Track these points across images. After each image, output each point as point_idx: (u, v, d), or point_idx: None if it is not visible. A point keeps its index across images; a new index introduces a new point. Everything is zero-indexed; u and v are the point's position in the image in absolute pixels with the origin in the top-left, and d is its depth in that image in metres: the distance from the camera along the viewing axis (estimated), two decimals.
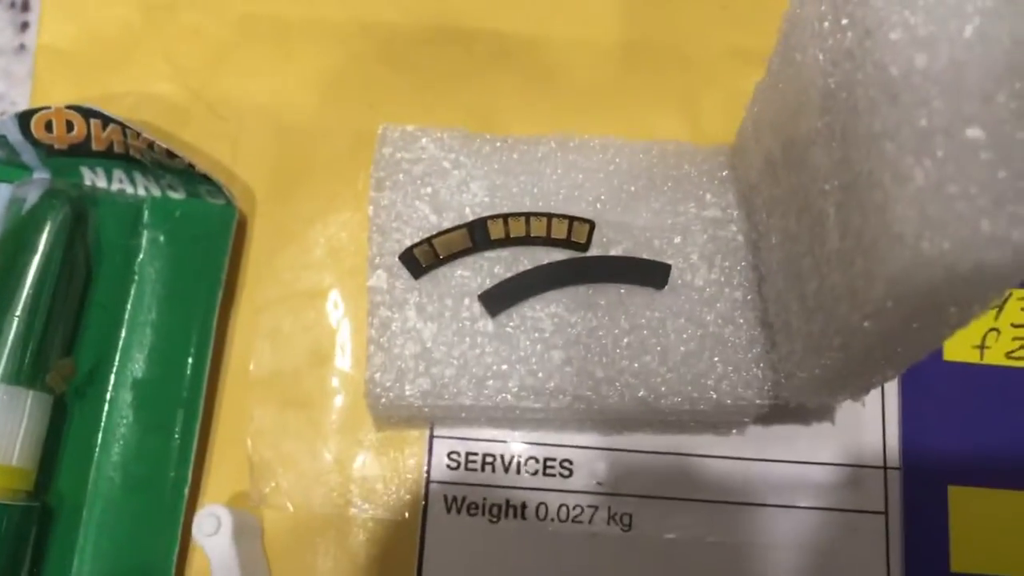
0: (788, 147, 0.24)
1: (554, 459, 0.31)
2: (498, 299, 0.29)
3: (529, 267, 0.29)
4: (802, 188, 0.24)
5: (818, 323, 0.24)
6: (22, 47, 0.35)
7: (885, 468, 0.31)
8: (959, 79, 0.18)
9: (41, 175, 0.32)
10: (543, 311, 0.29)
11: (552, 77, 0.35)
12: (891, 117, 0.18)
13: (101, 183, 0.32)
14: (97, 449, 0.30)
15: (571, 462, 0.31)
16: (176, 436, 0.30)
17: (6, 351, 0.29)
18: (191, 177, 0.31)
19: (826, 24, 0.21)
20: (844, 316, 0.22)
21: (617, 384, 0.28)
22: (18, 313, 0.29)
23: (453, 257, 0.29)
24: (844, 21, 0.20)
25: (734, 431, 0.31)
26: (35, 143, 0.31)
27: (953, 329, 0.21)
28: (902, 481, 0.31)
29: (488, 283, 0.29)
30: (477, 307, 0.29)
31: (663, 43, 0.35)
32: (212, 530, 0.28)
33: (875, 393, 0.32)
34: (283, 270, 0.32)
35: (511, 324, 0.29)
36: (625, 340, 0.29)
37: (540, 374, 0.28)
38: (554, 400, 0.28)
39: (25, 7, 0.36)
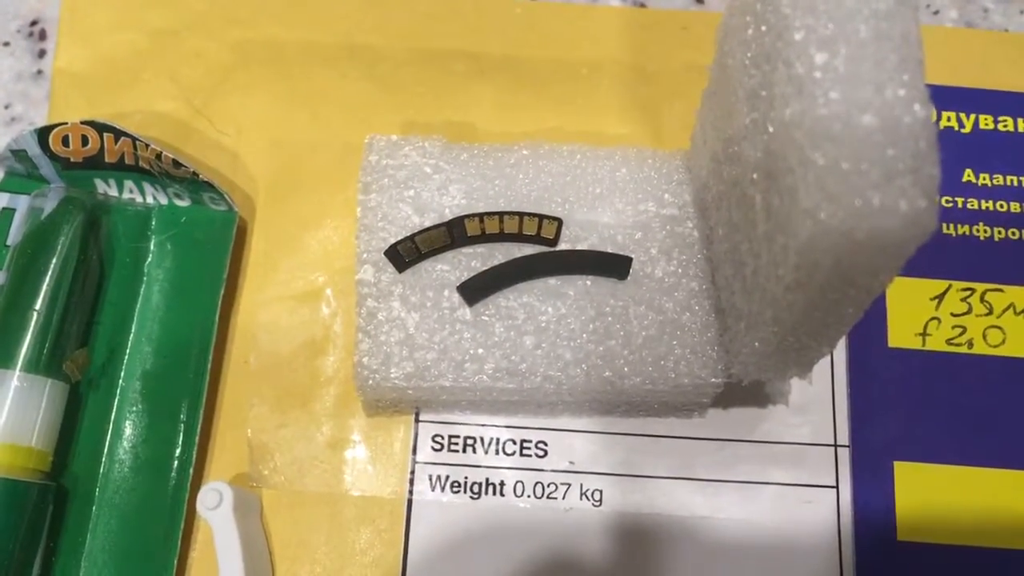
0: (727, 144, 0.27)
1: (530, 441, 0.33)
2: (475, 290, 0.31)
3: (503, 261, 0.32)
4: (738, 180, 0.27)
5: (755, 301, 0.26)
6: (39, 72, 0.39)
7: (835, 445, 0.33)
8: (854, 72, 0.21)
9: (58, 186, 0.35)
10: (516, 301, 0.32)
11: (524, 93, 0.38)
12: (797, 108, 0.21)
13: (113, 193, 0.35)
14: (109, 434, 0.33)
15: (546, 443, 0.33)
16: (182, 422, 0.33)
17: (26, 342, 0.31)
18: (196, 185, 0.34)
19: (750, 32, 0.24)
20: (772, 290, 0.25)
21: (584, 366, 0.31)
22: (37, 307, 0.32)
23: (434, 252, 0.32)
24: (763, 28, 0.23)
25: (695, 414, 0.34)
26: (52, 157, 0.34)
27: (867, 298, 0.24)
28: (851, 457, 0.33)
29: (466, 276, 0.32)
30: (456, 298, 0.31)
31: (627, 60, 0.38)
32: (214, 504, 0.31)
33: (826, 377, 0.34)
34: (280, 270, 0.35)
35: (487, 313, 0.31)
36: (591, 326, 0.31)
37: (513, 357, 0.31)
38: (527, 381, 0.31)
39: (42, 36, 0.39)
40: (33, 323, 0.31)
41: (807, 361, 0.28)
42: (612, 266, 0.32)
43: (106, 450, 0.33)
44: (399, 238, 0.32)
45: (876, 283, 0.23)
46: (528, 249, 0.32)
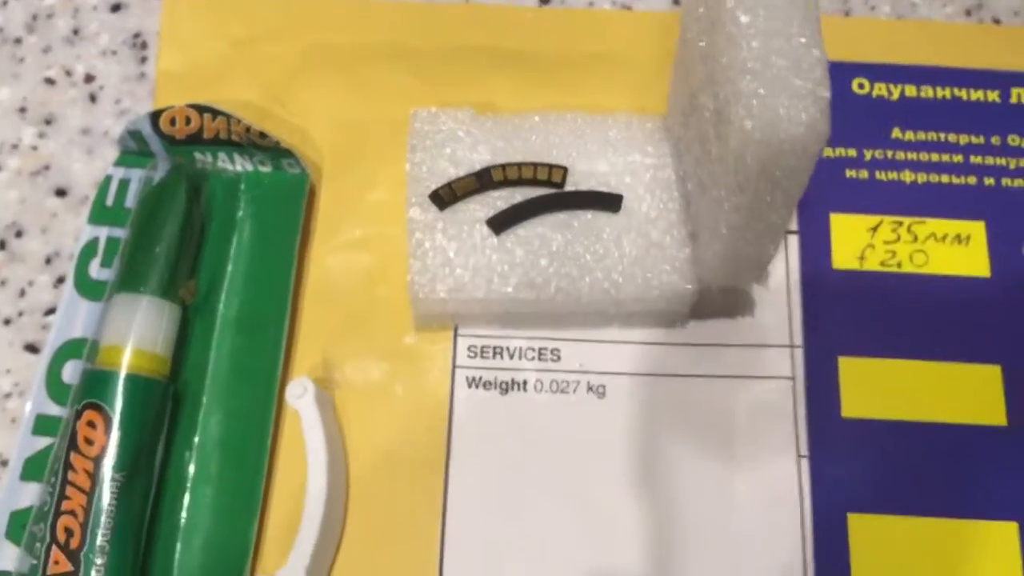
0: (691, 98, 0.36)
1: (546, 348, 0.41)
2: (500, 223, 0.40)
3: (521, 201, 0.40)
4: (700, 124, 0.35)
5: (713, 214, 0.35)
6: (143, 75, 0.47)
7: (791, 346, 0.42)
8: (770, 28, 0.29)
9: (164, 159, 0.44)
10: (532, 231, 0.40)
11: (535, 80, 0.46)
12: (729, 55, 0.30)
13: (209, 162, 0.44)
14: (213, 348, 0.40)
15: (559, 350, 0.42)
16: (268, 340, 0.41)
17: (152, 274, 0.40)
18: (276, 153, 0.42)
19: (701, 9, 0.33)
20: (723, 200, 0.33)
21: (587, 279, 0.39)
22: (158, 249, 0.40)
23: (467, 195, 0.40)
24: (709, 3, 0.32)
25: (678, 324, 0.42)
26: (162, 135, 0.42)
27: (791, 200, 0.32)
28: (804, 354, 0.41)
29: (492, 212, 0.40)
30: (485, 229, 0.40)
31: (621, 52, 0.47)
32: (300, 394, 0.38)
33: (782, 293, 0.42)
34: (344, 221, 0.43)
35: (510, 241, 0.40)
36: (592, 249, 0.39)
37: (531, 274, 0.39)
38: (542, 292, 0.39)
39: (143, 46, 0.48)
40: (156, 260, 0.40)
41: (759, 264, 0.37)
42: (608, 203, 0.40)
43: (211, 360, 0.41)
44: (440, 185, 0.40)
45: (795, 184, 0.31)
46: (541, 191, 0.40)
